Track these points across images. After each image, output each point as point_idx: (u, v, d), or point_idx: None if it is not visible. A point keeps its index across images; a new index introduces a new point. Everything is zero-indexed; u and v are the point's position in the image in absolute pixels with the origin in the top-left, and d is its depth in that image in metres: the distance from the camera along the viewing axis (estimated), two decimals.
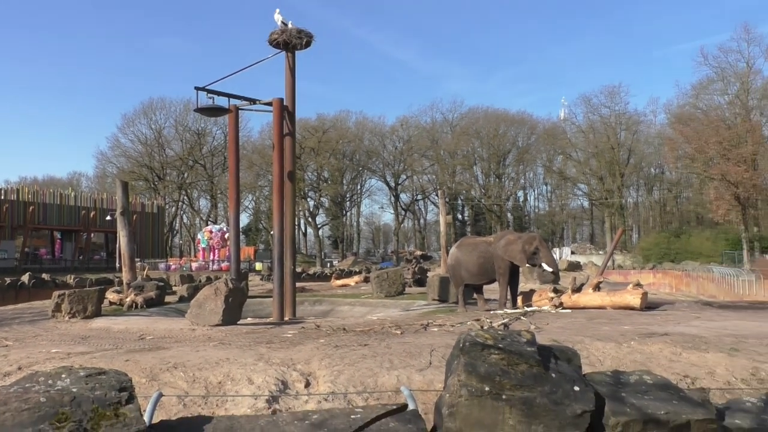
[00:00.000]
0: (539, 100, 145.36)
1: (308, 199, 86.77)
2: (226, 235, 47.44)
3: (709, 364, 7.81)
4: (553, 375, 4.45)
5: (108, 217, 56.65)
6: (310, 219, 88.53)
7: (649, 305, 15.01)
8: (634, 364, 7.36)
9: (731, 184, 55.40)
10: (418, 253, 37.36)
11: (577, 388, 4.42)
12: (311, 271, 49.80)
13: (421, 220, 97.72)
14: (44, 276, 32.25)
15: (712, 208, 59.98)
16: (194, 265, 56.56)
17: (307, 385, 6.62)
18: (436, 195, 75.91)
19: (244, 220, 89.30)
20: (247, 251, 63.12)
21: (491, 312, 14.43)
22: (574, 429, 4.28)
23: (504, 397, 4.24)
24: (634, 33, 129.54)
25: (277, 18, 16.76)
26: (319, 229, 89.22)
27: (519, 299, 16.13)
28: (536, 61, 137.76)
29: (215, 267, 54.25)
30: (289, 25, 16.73)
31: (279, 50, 16.92)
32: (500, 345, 4.53)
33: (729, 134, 58.02)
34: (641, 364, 7.38)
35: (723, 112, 65.02)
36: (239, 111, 17.70)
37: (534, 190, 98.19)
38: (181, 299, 19.99)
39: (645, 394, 4.66)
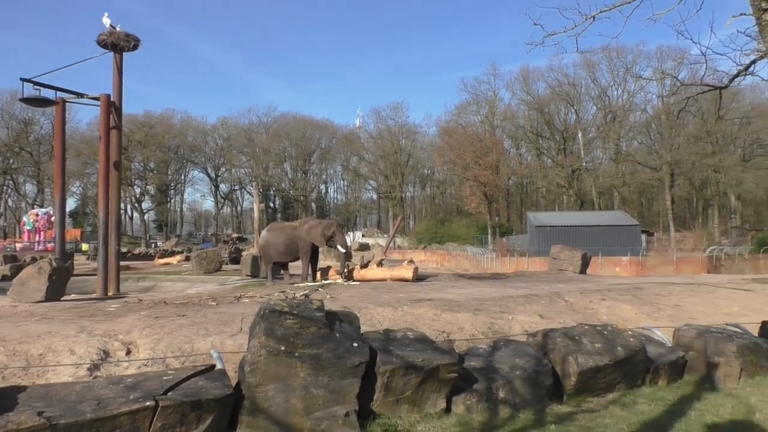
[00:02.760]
0: (339, 110, 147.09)
1: (135, 187, 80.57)
2: (53, 218, 42.69)
3: (460, 321, 8.49)
4: (337, 335, 4.59)
5: None
6: (136, 204, 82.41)
7: (419, 277, 15.91)
8: (407, 324, 7.78)
9: (481, 184, 60.60)
10: (235, 235, 36.53)
11: (356, 345, 4.60)
12: (136, 251, 46.50)
13: (239, 207, 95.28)
14: None
15: (467, 202, 65.22)
16: (19, 246, 50.07)
17: (128, 353, 6.22)
18: (252, 186, 74.35)
19: (72, 204, 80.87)
20: (73, 233, 57.15)
21: (295, 285, 14.48)
22: (353, 377, 4.46)
23: (297, 354, 4.30)
24: (415, 62, 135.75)
25: (106, 21, 15.38)
26: (144, 213, 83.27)
27: (318, 274, 16.34)
28: (337, 77, 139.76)
29: (41, 248, 48.41)
30: (117, 29, 15.42)
31: (107, 50, 15.55)
32: (294, 311, 4.58)
33: (480, 146, 63.33)
34: (411, 324, 7.82)
35: (476, 128, 70.90)
36: (66, 103, 16.04)
37: (333, 184, 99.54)
38: (4, 278, 17.74)
39: (407, 346, 4.96)
